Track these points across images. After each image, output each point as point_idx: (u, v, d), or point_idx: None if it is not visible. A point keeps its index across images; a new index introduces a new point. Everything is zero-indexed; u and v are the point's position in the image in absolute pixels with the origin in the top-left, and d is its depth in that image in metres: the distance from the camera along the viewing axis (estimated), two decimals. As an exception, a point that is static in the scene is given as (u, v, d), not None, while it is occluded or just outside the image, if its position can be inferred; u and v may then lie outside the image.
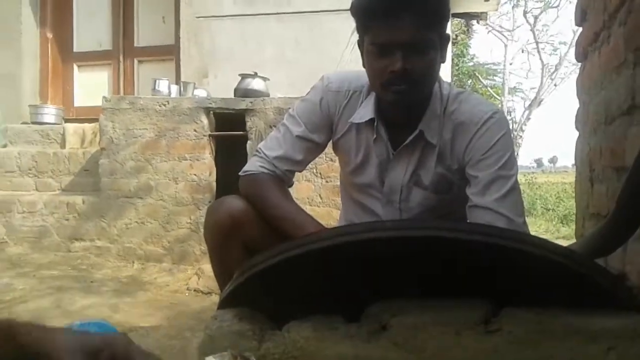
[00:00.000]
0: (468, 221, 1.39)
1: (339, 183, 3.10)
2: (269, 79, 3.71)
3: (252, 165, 1.54)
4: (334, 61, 3.97)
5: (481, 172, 1.38)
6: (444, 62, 1.40)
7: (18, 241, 3.90)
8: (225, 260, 1.47)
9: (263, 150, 1.54)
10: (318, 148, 1.58)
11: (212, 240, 1.49)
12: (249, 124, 3.39)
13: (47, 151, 4.30)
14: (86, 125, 4.59)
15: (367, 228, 0.99)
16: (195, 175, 3.52)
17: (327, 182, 3.27)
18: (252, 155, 1.61)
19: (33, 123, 4.77)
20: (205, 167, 3.51)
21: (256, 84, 3.60)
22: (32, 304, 2.81)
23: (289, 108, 3.24)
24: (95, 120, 4.49)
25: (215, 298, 2.97)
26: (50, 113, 4.86)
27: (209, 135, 3.50)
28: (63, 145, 4.51)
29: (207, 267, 3.22)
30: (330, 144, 1.61)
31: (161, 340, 2.42)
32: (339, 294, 1.06)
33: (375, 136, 1.47)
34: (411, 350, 0.98)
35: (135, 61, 5.13)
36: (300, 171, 1.62)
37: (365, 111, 1.47)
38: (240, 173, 1.55)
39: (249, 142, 3.36)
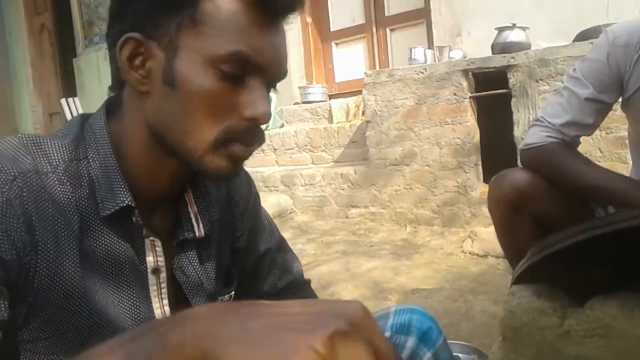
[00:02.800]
0: None
1: (621, 134, 2.82)
2: (529, 28, 3.49)
3: (536, 136, 1.47)
4: (603, -3, 3.56)
5: None
6: None
7: (304, 210, 4.39)
8: (513, 234, 1.46)
9: (546, 119, 1.46)
10: (607, 108, 1.45)
11: (498, 214, 1.49)
12: (511, 80, 3.25)
13: (318, 127, 4.72)
14: (349, 100, 4.91)
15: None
16: (458, 138, 3.52)
17: (607, 134, 2.98)
18: (530, 124, 1.55)
19: (303, 103, 5.28)
20: (467, 130, 3.48)
21: (515, 36, 3.40)
22: (324, 267, 3.15)
23: (557, 59, 3.02)
24: (355, 93, 4.77)
25: (492, 260, 2.97)
26: (316, 92, 5.31)
27: (470, 97, 3.46)
28: (330, 121, 4.90)
29: (480, 230, 3.23)
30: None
31: (444, 302, 2.51)
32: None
33: None
34: None
35: (387, 30, 5.28)
36: (588, 135, 1.51)
37: None
38: (521, 147, 1.50)
39: (513, 99, 3.23)
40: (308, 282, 1.07)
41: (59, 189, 0.68)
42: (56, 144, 0.70)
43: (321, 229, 4.04)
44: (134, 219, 0.73)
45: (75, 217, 0.68)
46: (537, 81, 3.13)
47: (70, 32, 7.58)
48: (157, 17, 0.69)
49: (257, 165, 4.91)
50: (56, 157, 0.69)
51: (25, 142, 0.69)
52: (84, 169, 0.71)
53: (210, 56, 0.67)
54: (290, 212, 4.38)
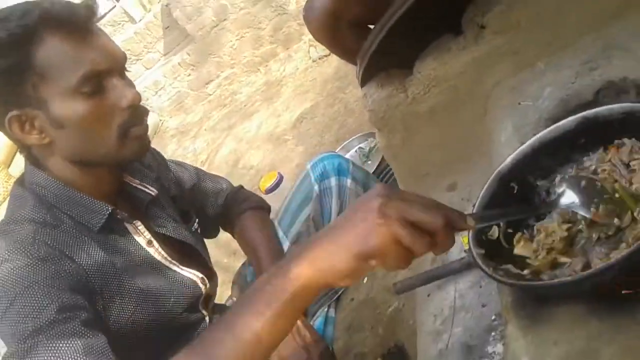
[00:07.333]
0: None
1: None
2: None
3: None
4: None
5: None
6: None
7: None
8: (342, 47, 1.69)
9: None
10: None
11: (323, 37, 1.69)
12: None
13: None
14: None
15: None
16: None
17: None
18: None
19: None
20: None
21: None
22: (223, 149, 3.35)
23: None
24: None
25: (332, 58, 3.21)
26: None
27: None
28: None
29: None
30: None
31: (326, 112, 2.82)
32: (441, 16, 1.30)
33: None
34: (507, 31, 1.22)
35: None
36: None
37: None
38: None
39: None
40: (240, 187, 1.35)
41: (60, 232, 0.89)
42: (28, 211, 0.89)
43: (194, 121, 4.16)
44: (119, 216, 0.96)
45: (90, 240, 0.90)
46: None
47: None
48: (14, 92, 0.84)
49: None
50: (39, 217, 0.89)
51: (11, 226, 0.87)
52: (57, 212, 0.91)
53: (68, 89, 0.84)
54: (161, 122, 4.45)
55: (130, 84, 0.92)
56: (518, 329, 0.70)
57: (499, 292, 0.83)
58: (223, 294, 1.38)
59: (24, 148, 0.93)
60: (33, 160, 0.94)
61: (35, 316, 0.77)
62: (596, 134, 0.81)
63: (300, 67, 3.59)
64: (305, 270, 0.58)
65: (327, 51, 3.35)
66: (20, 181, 0.95)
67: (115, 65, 0.90)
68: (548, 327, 0.66)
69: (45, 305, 0.78)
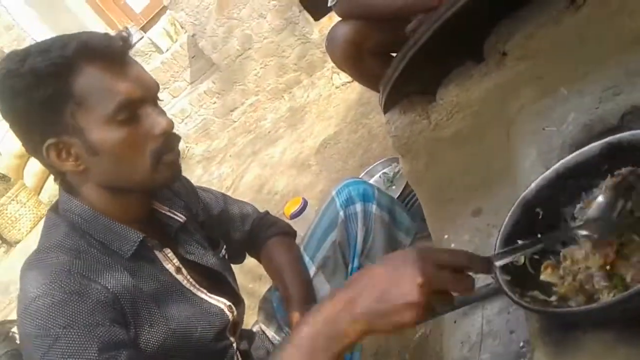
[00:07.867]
0: None
1: None
2: None
3: None
4: None
5: None
6: None
7: (196, 139, 4.51)
8: (365, 75, 1.75)
9: None
10: None
11: (345, 67, 1.77)
12: None
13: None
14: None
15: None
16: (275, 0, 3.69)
17: None
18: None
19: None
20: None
21: None
22: (248, 175, 3.41)
23: None
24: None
25: (355, 84, 3.26)
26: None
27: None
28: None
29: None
30: None
31: (350, 138, 2.85)
32: (463, 43, 1.32)
33: None
34: (529, 57, 1.24)
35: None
36: None
37: None
38: (330, 4, 1.73)
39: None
40: (266, 213, 1.37)
41: (93, 259, 0.90)
42: (61, 238, 0.91)
43: (219, 147, 4.23)
44: (149, 244, 0.98)
45: (121, 267, 0.92)
46: None
47: None
48: (53, 120, 0.87)
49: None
50: (72, 244, 0.91)
51: (43, 254, 0.90)
52: (89, 238, 0.93)
53: (105, 117, 0.87)
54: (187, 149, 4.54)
55: (163, 112, 0.94)
56: (545, 356, 0.70)
57: (526, 318, 0.83)
58: (248, 319, 1.39)
59: (59, 175, 0.95)
60: (67, 187, 0.96)
61: (77, 358, 0.78)
62: (621, 159, 0.81)
63: (323, 94, 3.63)
64: (356, 330, 0.65)
65: (350, 78, 3.40)
66: (54, 208, 0.98)
67: (149, 94, 0.93)
68: (576, 354, 0.66)
69: (86, 346, 0.79)
